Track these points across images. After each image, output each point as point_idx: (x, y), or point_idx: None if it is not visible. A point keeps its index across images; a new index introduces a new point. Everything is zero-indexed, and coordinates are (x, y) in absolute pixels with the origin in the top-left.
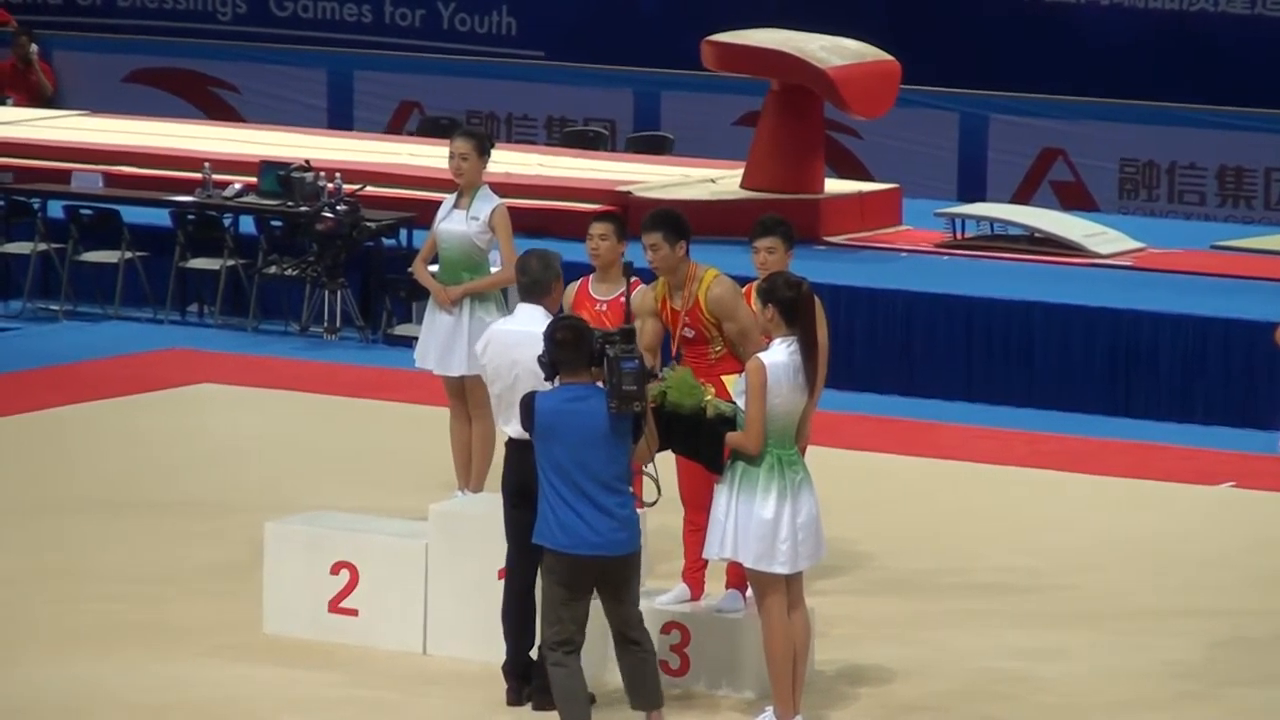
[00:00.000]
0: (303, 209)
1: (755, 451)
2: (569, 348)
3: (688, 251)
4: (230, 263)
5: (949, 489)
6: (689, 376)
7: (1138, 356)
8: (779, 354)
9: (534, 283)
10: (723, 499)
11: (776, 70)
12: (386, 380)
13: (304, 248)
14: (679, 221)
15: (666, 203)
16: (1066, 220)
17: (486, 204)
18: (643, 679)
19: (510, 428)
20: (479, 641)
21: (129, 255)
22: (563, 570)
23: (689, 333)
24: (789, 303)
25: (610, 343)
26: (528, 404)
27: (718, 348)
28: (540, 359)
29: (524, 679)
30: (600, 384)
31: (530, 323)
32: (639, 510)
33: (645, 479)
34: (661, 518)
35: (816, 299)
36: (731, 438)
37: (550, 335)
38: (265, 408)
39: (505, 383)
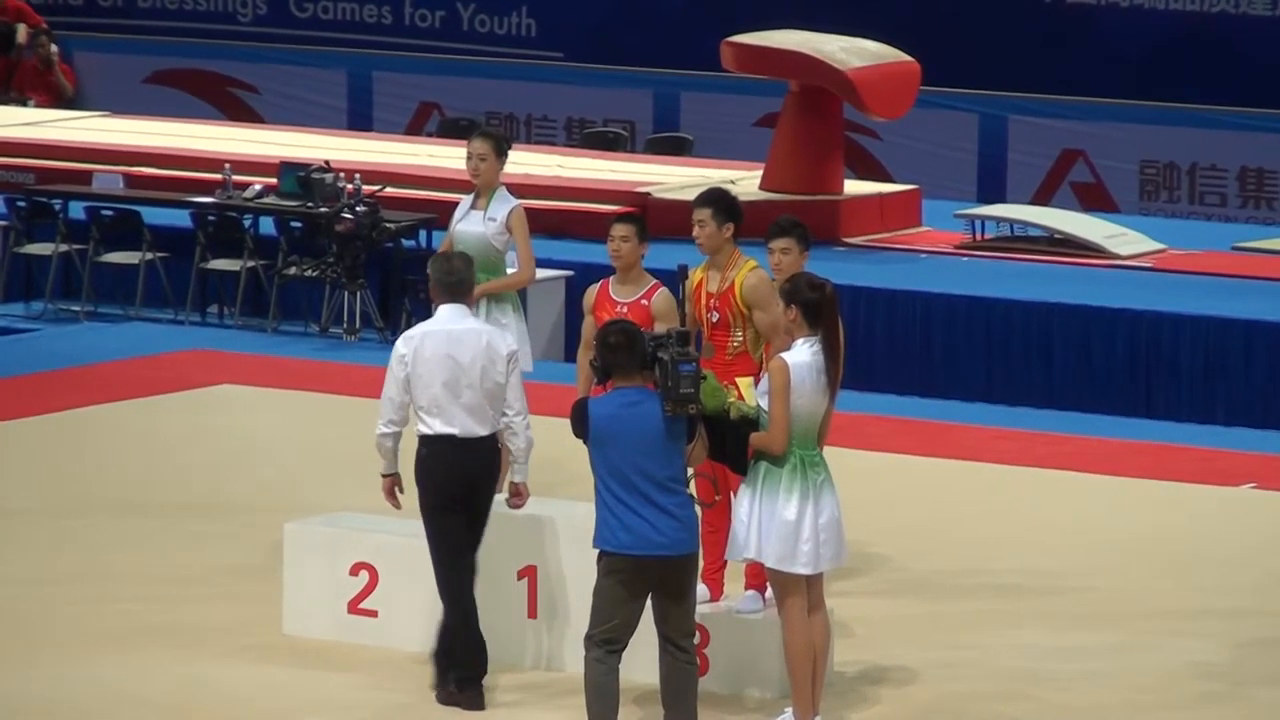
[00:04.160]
0: (322, 210)
1: (779, 451)
2: (622, 351)
3: (735, 235)
4: (250, 264)
5: (969, 490)
6: (713, 379)
7: (1158, 358)
8: (802, 354)
9: (459, 282)
10: (746, 500)
11: (796, 71)
12: None
13: (324, 249)
14: (730, 202)
15: (686, 204)
16: (1086, 221)
17: (504, 205)
18: (685, 692)
19: (437, 423)
20: (497, 642)
21: (150, 256)
22: (627, 571)
23: (714, 316)
24: (812, 304)
25: (663, 346)
26: (581, 410)
27: (737, 341)
28: (592, 363)
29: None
30: (652, 387)
31: (450, 321)
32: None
33: (702, 479)
34: None
35: None
36: (755, 438)
37: (603, 339)
38: (285, 408)
39: (442, 379)
